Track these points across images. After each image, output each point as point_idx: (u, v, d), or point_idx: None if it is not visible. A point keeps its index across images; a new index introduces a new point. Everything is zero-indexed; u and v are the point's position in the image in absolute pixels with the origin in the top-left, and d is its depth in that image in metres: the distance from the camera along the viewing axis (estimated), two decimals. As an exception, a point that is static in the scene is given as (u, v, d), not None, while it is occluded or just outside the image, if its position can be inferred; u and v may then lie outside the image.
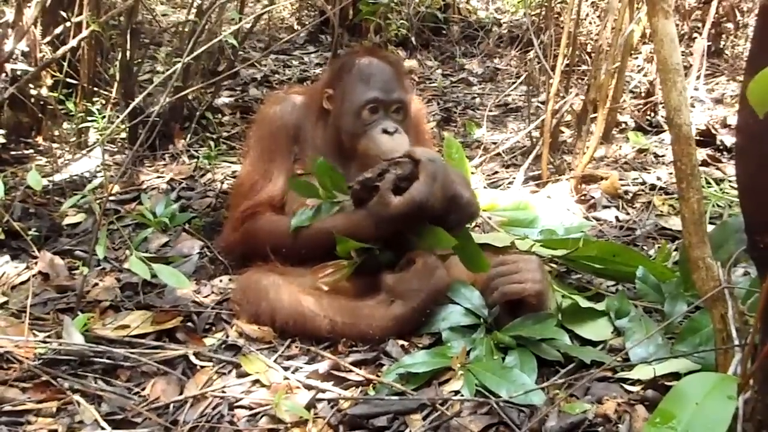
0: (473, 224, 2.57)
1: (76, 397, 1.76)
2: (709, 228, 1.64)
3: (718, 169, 3.48)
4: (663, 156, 3.76)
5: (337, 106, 2.32)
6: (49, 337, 1.99)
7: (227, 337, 2.09)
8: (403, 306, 2.02)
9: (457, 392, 1.79)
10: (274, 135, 2.36)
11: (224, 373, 1.92)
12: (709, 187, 3.15)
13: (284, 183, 2.31)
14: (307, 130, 2.39)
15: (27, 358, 1.86)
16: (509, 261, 2.06)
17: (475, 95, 5.09)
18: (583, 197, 3.17)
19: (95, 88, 3.67)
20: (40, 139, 3.61)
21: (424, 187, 2.01)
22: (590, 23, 5.38)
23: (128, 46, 3.48)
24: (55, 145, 3.51)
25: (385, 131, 2.23)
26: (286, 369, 1.91)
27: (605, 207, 3.10)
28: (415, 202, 2.00)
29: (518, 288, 1.98)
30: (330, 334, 2.03)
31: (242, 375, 1.90)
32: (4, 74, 3.21)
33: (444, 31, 6.24)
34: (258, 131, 2.43)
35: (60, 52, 3.33)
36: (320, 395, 1.79)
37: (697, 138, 3.54)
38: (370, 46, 2.58)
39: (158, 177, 3.33)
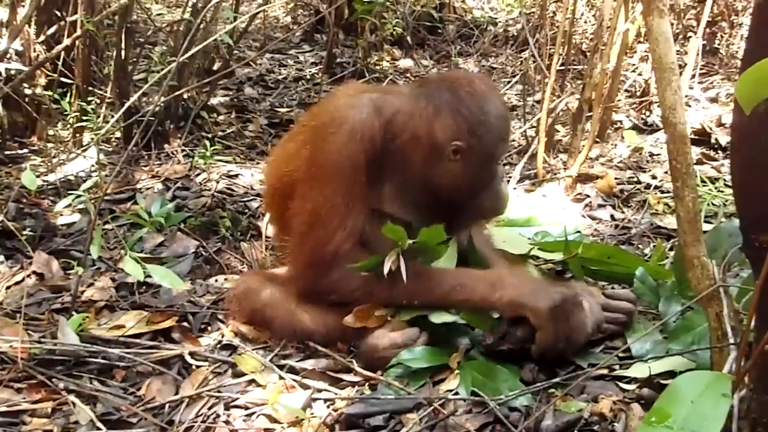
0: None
1: (71, 397, 1.76)
2: (705, 227, 1.65)
3: (713, 167, 3.49)
4: (658, 155, 3.76)
5: (466, 161, 1.96)
6: (43, 337, 1.99)
7: (223, 336, 2.08)
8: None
9: (453, 391, 1.79)
10: (366, 151, 1.94)
11: (220, 373, 1.91)
12: (704, 185, 3.16)
13: (364, 216, 1.96)
14: (389, 156, 1.99)
15: (22, 358, 1.85)
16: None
17: (471, 94, 5.09)
18: (578, 196, 3.17)
19: (90, 88, 3.66)
20: (34, 139, 3.60)
21: (545, 343, 1.84)
22: (585, 22, 5.39)
23: (123, 46, 3.47)
24: (49, 145, 3.50)
25: (501, 179, 2.08)
26: (281, 368, 1.90)
27: (600, 206, 3.11)
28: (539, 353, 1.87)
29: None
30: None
31: (238, 375, 1.90)
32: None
33: (439, 30, 6.25)
34: (341, 144, 1.94)
35: (54, 51, 3.33)
36: (316, 395, 1.78)
37: (692, 137, 3.54)
38: (471, 75, 2.39)
39: (153, 177, 3.32)
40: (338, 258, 1.91)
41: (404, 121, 1.98)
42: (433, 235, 1.89)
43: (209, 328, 2.16)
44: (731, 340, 1.44)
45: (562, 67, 4.12)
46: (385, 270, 1.83)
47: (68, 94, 3.54)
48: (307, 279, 1.97)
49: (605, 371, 1.84)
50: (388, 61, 5.62)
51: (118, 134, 3.67)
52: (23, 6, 3.19)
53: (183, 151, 3.62)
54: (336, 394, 1.80)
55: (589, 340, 1.92)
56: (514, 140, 3.94)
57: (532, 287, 1.86)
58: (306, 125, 2.20)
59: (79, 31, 3.30)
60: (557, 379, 1.80)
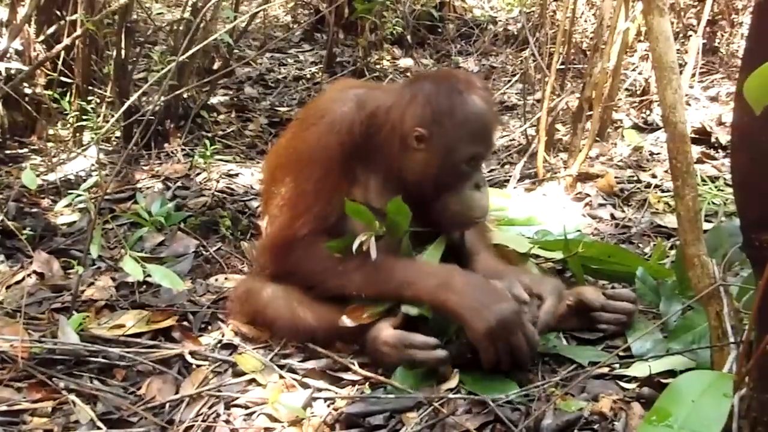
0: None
1: (72, 396, 1.76)
2: (705, 226, 1.65)
3: (713, 166, 3.49)
4: (658, 154, 3.76)
5: (429, 152, 1.95)
6: (44, 336, 1.98)
7: (223, 336, 2.08)
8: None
9: (453, 390, 1.79)
10: (342, 144, 1.96)
11: (220, 372, 1.91)
12: (704, 184, 3.16)
13: (340, 205, 1.94)
14: (374, 150, 2.01)
15: (22, 357, 1.85)
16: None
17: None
18: (578, 195, 3.17)
19: (90, 87, 3.66)
20: (34, 138, 3.60)
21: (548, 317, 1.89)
22: (585, 21, 5.39)
23: (123, 45, 3.47)
24: (50, 144, 3.50)
25: (476, 186, 2.00)
26: (282, 368, 1.90)
27: (601, 205, 3.11)
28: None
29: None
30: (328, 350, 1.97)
31: (238, 374, 1.90)
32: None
33: (439, 30, 6.25)
34: (319, 134, 1.99)
35: (54, 50, 3.33)
36: (316, 394, 1.78)
37: (692, 136, 3.54)
38: (464, 73, 2.24)
39: (153, 176, 3.31)
40: (298, 240, 1.97)
41: (385, 114, 1.99)
42: (398, 210, 1.88)
43: (209, 327, 2.16)
44: (731, 339, 1.44)
45: (563, 66, 4.12)
46: (354, 247, 1.85)
47: (68, 94, 3.54)
48: (270, 257, 2.05)
49: (605, 370, 1.84)
50: (388, 60, 5.62)
51: (118, 133, 3.67)
52: (23, 5, 3.19)
53: (183, 150, 3.62)
54: (336, 393, 1.80)
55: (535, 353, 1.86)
56: (514, 139, 3.94)
57: (474, 300, 1.79)
58: (296, 119, 2.27)
59: (79, 31, 3.29)
60: (557, 378, 1.80)
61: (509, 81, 5.12)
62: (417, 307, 1.87)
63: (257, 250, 2.18)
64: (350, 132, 1.96)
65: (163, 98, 3.18)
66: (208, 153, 3.37)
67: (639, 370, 1.78)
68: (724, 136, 3.77)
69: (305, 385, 1.82)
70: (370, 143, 2.00)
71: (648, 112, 4.28)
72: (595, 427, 1.61)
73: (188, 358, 1.95)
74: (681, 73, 3.08)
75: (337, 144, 1.96)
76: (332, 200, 1.96)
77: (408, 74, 5.43)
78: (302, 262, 1.98)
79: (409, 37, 5.84)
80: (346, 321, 1.91)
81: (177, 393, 1.81)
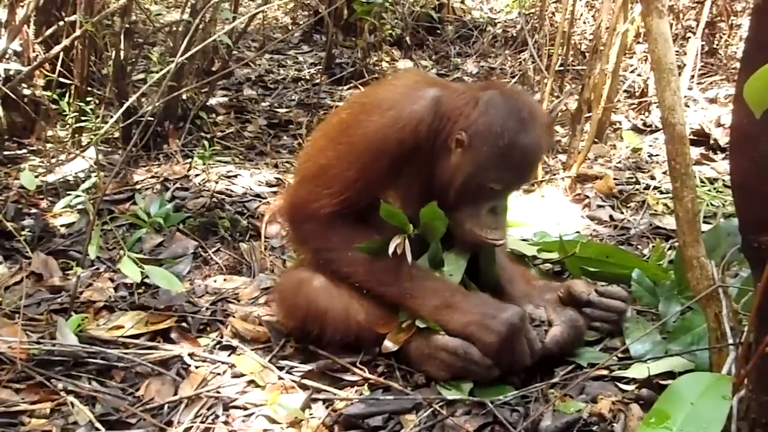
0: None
1: (70, 398, 1.76)
2: (703, 227, 1.65)
3: (711, 168, 3.49)
4: (657, 155, 3.77)
5: (462, 160, 1.88)
6: (42, 337, 1.98)
7: (222, 337, 2.08)
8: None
9: (452, 391, 1.79)
10: (402, 142, 1.88)
11: (219, 374, 1.91)
12: (702, 186, 3.16)
13: (366, 197, 1.94)
14: (429, 153, 1.93)
15: (20, 358, 1.85)
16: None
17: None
18: (577, 197, 3.17)
19: (89, 88, 3.66)
20: (33, 139, 3.59)
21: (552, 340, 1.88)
22: (584, 23, 5.39)
23: (122, 46, 3.47)
24: (48, 145, 3.49)
25: (492, 210, 1.93)
26: (281, 369, 1.90)
27: (599, 206, 3.11)
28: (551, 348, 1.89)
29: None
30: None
31: (237, 375, 1.90)
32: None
33: (438, 31, 6.25)
34: (380, 126, 1.90)
35: (53, 51, 3.32)
36: (315, 395, 1.78)
37: (691, 137, 3.55)
38: (533, 102, 2.01)
39: (152, 177, 3.31)
40: (319, 216, 1.94)
41: (451, 118, 1.91)
42: (432, 214, 1.86)
43: (208, 328, 2.16)
44: (730, 341, 1.44)
45: (561, 68, 4.13)
46: (390, 251, 1.83)
47: (67, 95, 3.54)
48: (287, 216, 2.07)
49: (604, 372, 1.84)
50: (387, 62, 5.63)
51: (117, 134, 3.67)
52: (22, 6, 3.19)
53: (182, 151, 3.61)
54: (335, 394, 1.80)
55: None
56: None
57: (479, 315, 1.80)
58: (355, 101, 2.20)
59: (78, 32, 3.29)
60: (556, 380, 1.80)
61: (508, 82, 5.12)
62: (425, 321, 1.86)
63: (281, 199, 2.15)
64: (414, 131, 1.89)
65: (162, 99, 3.17)
66: (207, 154, 3.37)
67: (638, 371, 1.78)
68: (722, 138, 3.78)
69: (304, 387, 1.82)
70: (431, 148, 1.93)
71: (647, 113, 4.29)
72: (594, 428, 1.61)
73: (187, 359, 1.94)
74: (680, 74, 3.08)
75: (396, 141, 1.89)
76: (368, 192, 1.93)
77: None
78: (316, 237, 1.97)
79: (408, 39, 5.85)
80: (389, 345, 1.88)
81: (176, 394, 1.81)
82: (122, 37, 3.46)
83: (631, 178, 3.43)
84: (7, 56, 3.18)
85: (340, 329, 1.91)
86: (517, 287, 2.04)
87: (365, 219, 1.95)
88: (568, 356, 1.91)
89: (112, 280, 2.40)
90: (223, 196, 3.13)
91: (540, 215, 2.74)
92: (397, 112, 1.89)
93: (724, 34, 5.37)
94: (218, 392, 1.81)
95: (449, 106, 1.91)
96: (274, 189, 3.28)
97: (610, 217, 3.01)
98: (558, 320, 1.91)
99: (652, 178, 3.40)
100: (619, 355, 1.88)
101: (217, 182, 3.22)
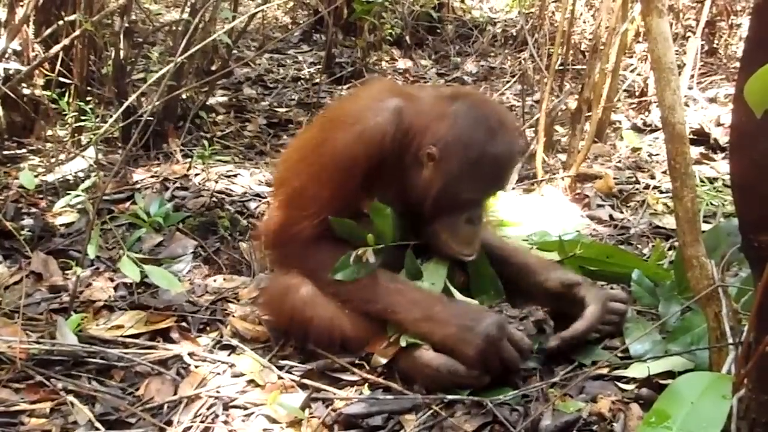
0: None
1: (70, 397, 1.75)
2: (703, 227, 1.65)
3: (711, 167, 3.49)
4: (657, 155, 3.76)
5: (435, 174, 1.88)
6: (42, 337, 1.98)
7: (221, 337, 2.08)
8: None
9: (452, 392, 1.79)
10: (370, 157, 1.88)
11: (218, 373, 1.91)
12: (702, 185, 3.16)
13: (350, 213, 1.94)
14: (400, 164, 1.93)
15: (20, 358, 1.85)
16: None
17: (470, 94, 5.09)
18: (577, 196, 3.17)
19: (88, 88, 3.65)
20: (33, 139, 3.59)
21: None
22: (584, 22, 5.39)
23: (121, 45, 3.47)
24: (48, 145, 3.49)
25: (469, 220, 1.93)
26: (280, 368, 1.90)
27: (599, 206, 3.11)
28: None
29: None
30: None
31: (237, 375, 1.90)
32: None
33: (438, 30, 6.25)
34: (347, 141, 1.89)
35: (53, 51, 3.32)
36: (315, 395, 1.78)
37: (691, 137, 3.55)
38: (503, 110, 2.10)
39: (152, 176, 3.31)
40: (299, 239, 1.95)
41: (417, 129, 1.90)
42: (379, 212, 1.88)
43: (208, 328, 2.16)
44: (730, 340, 1.44)
45: (561, 67, 4.12)
46: (352, 259, 1.85)
47: (67, 94, 3.53)
48: (269, 243, 2.10)
49: (604, 371, 1.83)
50: (386, 61, 5.63)
51: (116, 134, 3.66)
52: (22, 6, 3.18)
53: (182, 151, 3.61)
54: (335, 394, 1.79)
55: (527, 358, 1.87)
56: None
57: (457, 327, 1.78)
58: (323, 116, 2.21)
59: (77, 31, 3.29)
60: (556, 379, 1.80)
61: (508, 82, 5.12)
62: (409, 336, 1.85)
63: (260, 228, 2.20)
64: (380, 145, 1.87)
65: (161, 99, 3.17)
66: (206, 153, 3.37)
67: (638, 371, 1.78)
68: (722, 138, 3.78)
69: (304, 386, 1.82)
70: (398, 158, 1.92)
71: (647, 113, 4.29)
72: (594, 428, 1.61)
73: (187, 358, 1.94)
74: (680, 74, 3.08)
75: (364, 156, 1.88)
76: (343, 209, 1.93)
77: (407, 75, 5.44)
78: (299, 260, 1.97)
79: (407, 38, 5.85)
80: (380, 360, 1.87)
81: (175, 394, 1.81)
82: (122, 36, 3.46)
83: (631, 177, 3.43)
84: (6, 56, 3.18)
85: (324, 339, 1.92)
86: (540, 261, 2.09)
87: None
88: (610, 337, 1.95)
89: (111, 279, 2.40)
90: (222, 196, 3.13)
91: (540, 215, 2.74)
92: (361, 125, 1.88)
93: (724, 33, 5.37)
94: (218, 392, 1.81)
95: (414, 117, 1.90)
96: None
97: (610, 216, 3.01)
98: (590, 300, 1.92)
99: (652, 177, 3.40)
100: (619, 355, 1.88)
101: (216, 182, 3.21)
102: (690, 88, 4.45)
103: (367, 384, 1.84)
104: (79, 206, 2.77)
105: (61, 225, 2.81)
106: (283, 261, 2.05)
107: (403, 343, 1.84)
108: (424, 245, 2.00)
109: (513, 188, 3.22)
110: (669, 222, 2.85)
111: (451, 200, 1.89)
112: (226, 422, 1.71)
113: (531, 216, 2.73)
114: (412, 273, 1.96)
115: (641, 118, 4.27)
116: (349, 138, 1.88)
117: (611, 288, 2.26)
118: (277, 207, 2.08)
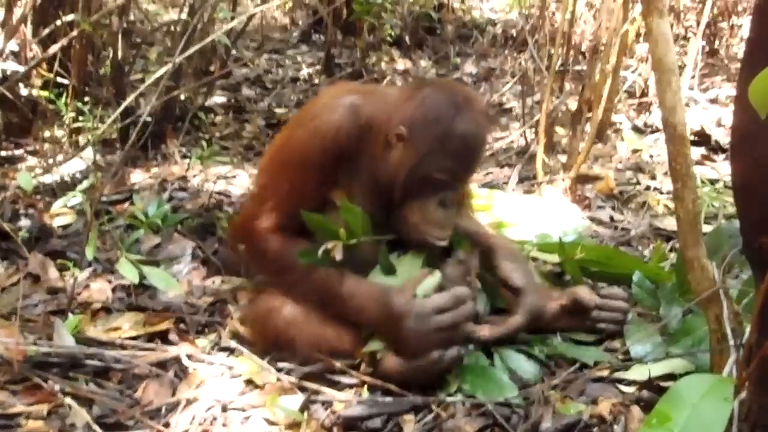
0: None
1: (68, 399, 1.74)
2: (705, 228, 1.64)
3: (712, 169, 3.49)
4: (658, 156, 3.76)
5: (404, 153, 1.89)
6: (39, 339, 1.97)
7: (220, 338, 2.07)
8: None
9: (451, 393, 1.78)
10: (325, 151, 1.92)
11: (217, 375, 1.90)
12: (703, 186, 3.15)
13: (312, 207, 1.94)
14: (361, 155, 1.96)
15: (17, 360, 1.84)
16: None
17: (470, 95, 5.09)
18: (577, 198, 3.16)
19: (86, 88, 3.65)
20: (30, 139, 3.59)
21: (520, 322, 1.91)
22: (585, 23, 5.38)
23: (119, 46, 3.47)
24: (46, 145, 3.49)
25: (442, 203, 1.91)
26: (279, 370, 1.89)
27: (600, 207, 3.10)
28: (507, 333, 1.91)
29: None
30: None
31: (235, 377, 1.89)
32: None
33: (438, 31, 6.25)
34: (304, 138, 1.96)
35: (50, 51, 3.31)
36: (314, 397, 1.77)
37: (692, 138, 3.54)
38: (468, 90, 2.09)
39: (150, 177, 3.31)
40: (259, 232, 1.99)
41: (380, 123, 1.94)
42: (349, 210, 1.88)
43: (206, 329, 2.15)
44: (731, 343, 1.43)
45: (561, 68, 4.11)
46: (319, 252, 1.85)
47: (64, 95, 3.53)
48: (233, 239, 2.20)
49: (605, 373, 1.83)
50: (386, 62, 5.62)
51: (114, 135, 3.66)
52: (19, 6, 3.18)
53: (180, 151, 3.61)
54: (334, 396, 1.79)
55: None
56: (512, 141, 3.93)
57: (387, 329, 1.81)
58: (292, 118, 2.32)
59: (75, 31, 3.29)
60: (556, 381, 1.79)
61: (508, 83, 5.12)
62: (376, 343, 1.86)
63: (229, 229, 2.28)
64: (335, 139, 1.91)
65: (160, 99, 3.17)
66: (205, 154, 3.36)
67: (638, 373, 1.77)
68: (723, 139, 3.77)
69: (303, 388, 1.81)
70: (361, 151, 1.95)
71: (647, 114, 4.28)
72: (594, 430, 1.61)
73: (185, 360, 1.93)
74: (681, 75, 3.08)
75: (320, 150, 1.92)
76: (304, 202, 1.94)
77: (406, 76, 5.43)
78: (259, 254, 2.01)
79: (407, 39, 5.85)
80: (366, 368, 1.87)
81: (173, 396, 1.80)
82: (120, 36, 3.46)
83: (632, 178, 3.42)
84: (4, 56, 3.17)
85: (311, 356, 1.92)
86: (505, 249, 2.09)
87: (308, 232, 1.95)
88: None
89: (109, 281, 2.39)
90: (221, 197, 3.12)
91: (540, 216, 2.73)
92: (317, 122, 1.94)
93: (724, 34, 5.37)
94: (216, 394, 1.80)
95: (373, 111, 1.94)
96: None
97: (611, 218, 3.00)
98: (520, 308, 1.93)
99: (653, 178, 3.39)
100: (620, 357, 1.88)
101: (215, 183, 3.20)
102: (691, 89, 4.44)
103: (366, 386, 1.83)
104: (77, 207, 2.75)
105: (58, 226, 2.80)
106: (248, 256, 2.11)
107: (366, 350, 1.85)
108: (399, 240, 1.98)
109: (513, 189, 3.22)
110: (670, 223, 2.84)
111: (421, 179, 1.88)
112: (224, 424, 1.70)
113: (531, 217, 2.73)
114: (386, 268, 1.95)
115: (642, 119, 4.26)
116: (305, 134, 1.96)
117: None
118: (245, 204, 2.17)
